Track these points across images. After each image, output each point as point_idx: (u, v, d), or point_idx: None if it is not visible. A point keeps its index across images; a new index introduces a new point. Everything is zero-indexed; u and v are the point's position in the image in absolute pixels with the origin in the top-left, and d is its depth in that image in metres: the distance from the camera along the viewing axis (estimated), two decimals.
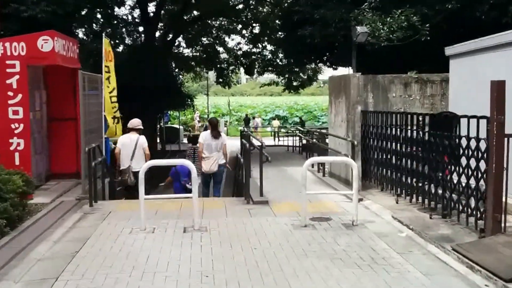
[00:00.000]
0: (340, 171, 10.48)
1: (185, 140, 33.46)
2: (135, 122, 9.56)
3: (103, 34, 11.20)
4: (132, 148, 9.17)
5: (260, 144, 8.83)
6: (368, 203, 8.39)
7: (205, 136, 9.37)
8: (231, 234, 6.66)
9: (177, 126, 34.35)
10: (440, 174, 7.16)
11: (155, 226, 7.02)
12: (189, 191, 7.68)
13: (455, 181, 6.80)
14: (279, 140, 28.44)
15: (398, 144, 8.51)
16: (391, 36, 14.54)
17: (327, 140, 12.38)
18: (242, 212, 8.02)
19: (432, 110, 10.58)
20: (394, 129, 8.63)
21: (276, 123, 36.37)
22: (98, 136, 10.63)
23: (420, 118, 7.92)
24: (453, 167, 6.89)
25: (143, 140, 9.25)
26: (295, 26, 17.25)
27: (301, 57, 20.85)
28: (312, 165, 11.86)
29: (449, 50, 9.13)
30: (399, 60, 15.66)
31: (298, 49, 19.15)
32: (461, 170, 6.59)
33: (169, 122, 37.47)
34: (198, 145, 9.53)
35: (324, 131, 15.46)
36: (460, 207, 6.64)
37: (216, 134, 9.28)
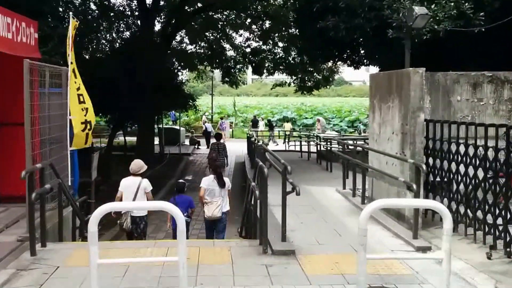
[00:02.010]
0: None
1: (186, 142, 30.85)
2: (135, 168, 8.20)
3: (71, 13, 8.52)
4: (133, 192, 8.03)
5: (283, 166, 6.09)
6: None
7: (207, 182, 8.32)
8: None
9: (177, 127, 31.56)
10: None
11: None
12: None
13: None
14: (289, 145, 25.82)
15: (489, 169, 5.80)
16: (436, 27, 11.81)
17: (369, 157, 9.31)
18: (257, 271, 5.30)
19: (510, 118, 7.92)
20: (481, 147, 5.93)
21: (288, 126, 33.16)
22: (61, 147, 8.00)
23: None
24: None
25: (146, 183, 8.16)
26: (313, 17, 14.57)
27: (318, 54, 18.20)
28: (351, 189, 8.90)
29: None
30: (444, 58, 12.98)
31: (315, 45, 16.59)
32: None
33: (176, 122, 34.83)
34: (199, 191, 8.41)
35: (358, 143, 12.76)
36: None
37: (222, 184, 8.32)
